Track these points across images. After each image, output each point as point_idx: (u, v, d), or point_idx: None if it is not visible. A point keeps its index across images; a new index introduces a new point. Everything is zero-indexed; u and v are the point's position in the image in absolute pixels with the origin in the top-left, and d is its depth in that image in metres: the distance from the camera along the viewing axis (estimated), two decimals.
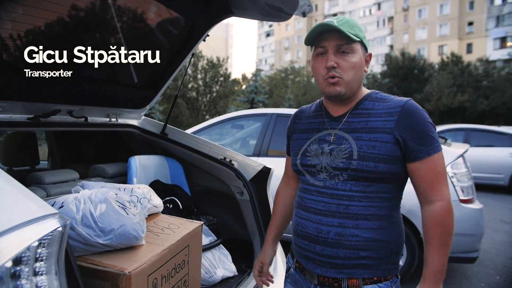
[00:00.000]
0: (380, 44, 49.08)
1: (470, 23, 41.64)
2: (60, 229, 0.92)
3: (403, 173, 1.16)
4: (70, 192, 1.87)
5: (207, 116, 28.59)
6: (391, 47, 47.20)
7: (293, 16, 2.02)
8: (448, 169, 3.32)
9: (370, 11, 51.39)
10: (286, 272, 1.38)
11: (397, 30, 47.54)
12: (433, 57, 39.14)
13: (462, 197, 3.27)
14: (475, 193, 3.49)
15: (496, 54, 36.05)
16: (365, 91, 1.25)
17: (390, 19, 48.99)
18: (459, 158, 3.41)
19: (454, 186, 3.27)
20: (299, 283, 1.28)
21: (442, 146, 3.61)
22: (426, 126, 1.13)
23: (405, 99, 1.18)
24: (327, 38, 1.16)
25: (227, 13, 2.13)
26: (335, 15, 53.48)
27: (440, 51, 42.04)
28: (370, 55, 1.24)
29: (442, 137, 4.51)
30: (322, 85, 1.21)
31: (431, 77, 30.10)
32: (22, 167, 2.69)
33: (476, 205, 3.40)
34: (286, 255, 1.55)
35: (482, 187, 7.81)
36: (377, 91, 1.25)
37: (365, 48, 1.21)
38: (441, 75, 28.54)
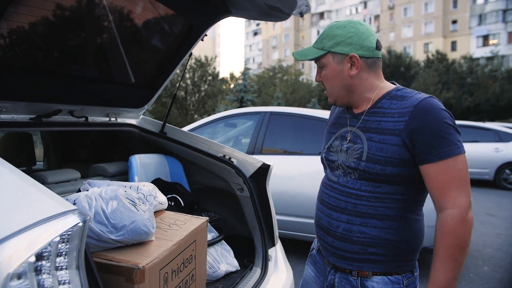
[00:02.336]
0: None
1: (454, 21, 42.45)
2: (80, 224, 0.95)
3: (416, 175, 1.11)
4: (72, 191, 1.90)
5: (196, 116, 28.47)
6: None
7: None
8: None
9: (356, 9, 51.88)
10: (310, 252, 1.46)
11: (383, 28, 48.11)
12: (419, 55, 39.80)
13: None
14: None
15: (480, 52, 36.86)
16: (387, 87, 1.22)
17: (377, 17, 49.55)
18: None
19: None
20: (319, 264, 1.36)
21: None
22: (441, 127, 1.05)
23: (423, 96, 1.11)
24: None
25: (225, 13, 2.16)
26: (322, 14, 53.91)
27: (425, 48, 42.76)
28: (353, 56, 1.17)
29: None
30: None
31: (417, 75, 30.62)
32: (19, 168, 2.68)
33: None
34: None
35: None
36: (401, 87, 1.21)
37: (341, 53, 1.17)
38: (426, 72, 29.06)
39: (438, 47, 37.66)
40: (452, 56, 34.85)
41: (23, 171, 2.57)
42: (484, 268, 3.90)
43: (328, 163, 1.29)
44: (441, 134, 1.05)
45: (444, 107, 1.10)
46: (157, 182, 2.12)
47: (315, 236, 1.40)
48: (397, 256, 1.16)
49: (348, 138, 1.22)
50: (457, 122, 9.36)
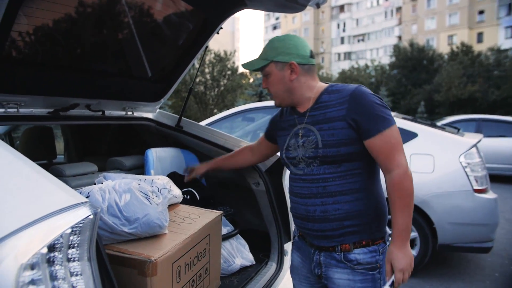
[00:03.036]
0: (388, 35, 48.51)
1: (481, 12, 40.91)
2: (91, 217, 0.95)
3: (365, 150, 1.32)
4: (89, 184, 1.92)
5: (215, 110, 28.62)
6: (400, 38, 46.61)
7: None
8: (462, 159, 3.31)
9: (377, 1, 50.74)
10: (292, 240, 1.63)
11: (405, 21, 46.92)
12: (443, 47, 38.60)
13: (476, 187, 3.26)
14: (489, 183, 3.47)
15: (508, 43, 35.41)
16: (321, 87, 1.43)
17: (398, 9, 48.35)
18: (472, 148, 3.39)
19: (468, 176, 3.26)
20: (302, 249, 1.51)
21: (455, 136, 3.61)
22: (373, 107, 1.29)
23: (353, 86, 1.35)
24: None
25: (241, 5, 2.13)
26: (342, 7, 53.07)
27: (449, 41, 41.45)
28: (292, 63, 1.38)
29: (454, 127, 4.48)
30: None
31: (440, 68, 29.74)
32: (40, 161, 2.74)
33: (490, 195, 3.38)
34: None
35: (495, 178, 7.72)
36: (333, 84, 1.43)
37: (282, 61, 1.38)
38: (450, 65, 28.17)
39: (463, 39, 36.40)
40: (478, 48, 33.62)
41: (44, 164, 2.63)
42: (511, 267, 3.76)
43: (289, 161, 1.46)
44: (375, 112, 1.29)
45: (371, 92, 1.35)
46: (173, 176, 2.12)
47: None
48: (368, 224, 1.35)
49: (301, 134, 1.41)
50: (483, 116, 9.07)
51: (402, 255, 1.27)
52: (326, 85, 1.44)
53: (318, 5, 2.00)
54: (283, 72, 1.40)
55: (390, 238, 1.36)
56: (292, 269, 1.59)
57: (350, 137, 1.30)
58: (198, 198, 2.08)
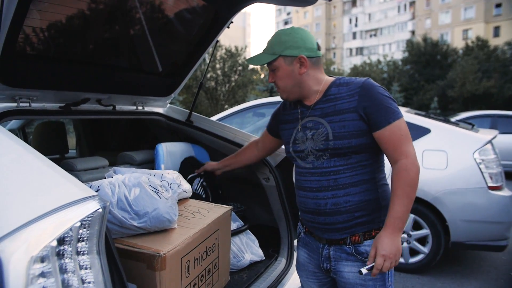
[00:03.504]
0: (401, 30, 47.81)
1: (498, 5, 39.93)
2: (100, 210, 0.95)
3: (374, 142, 1.33)
4: (100, 178, 1.93)
5: (226, 106, 28.65)
6: (413, 32, 45.89)
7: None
8: (476, 155, 3.24)
9: None
10: (298, 237, 1.60)
11: (419, 15, 46.15)
12: (457, 42, 37.88)
13: (490, 184, 3.19)
14: (504, 180, 3.39)
15: None
16: (328, 80, 1.43)
17: (412, 3, 47.56)
18: (487, 144, 3.32)
19: (482, 173, 3.19)
20: (310, 244, 1.49)
21: (469, 132, 3.54)
22: (383, 99, 1.31)
23: (363, 79, 1.36)
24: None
25: None
26: (354, 1, 52.44)
27: (464, 35, 40.62)
28: (301, 57, 1.37)
29: (468, 123, 4.39)
30: None
31: (454, 63, 29.15)
32: (52, 156, 2.78)
33: (505, 192, 3.30)
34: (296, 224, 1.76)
35: (510, 175, 7.57)
36: (340, 77, 1.43)
37: (291, 55, 1.37)
38: (465, 60, 27.60)
39: (478, 34, 35.61)
40: (494, 42, 32.86)
41: (56, 158, 2.66)
42: None
43: (297, 154, 1.45)
44: (385, 104, 1.30)
45: (379, 85, 1.36)
46: (190, 160, 2.14)
47: None
48: (377, 212, 1.36)
49: (309, 126, 1.41)
50: (498, 112, 8.88)
51: (389, 242, 1.25)
52: (333, 78, 1.44)
53: None
54: (292, 66, 1.38)
55: None
56: (299, 266, 1.58)
57: (361, 129, 1.31)
58: (208, 190, 2.09)
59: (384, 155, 1.38)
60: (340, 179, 1.34)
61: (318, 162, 1.37)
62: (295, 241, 2.09)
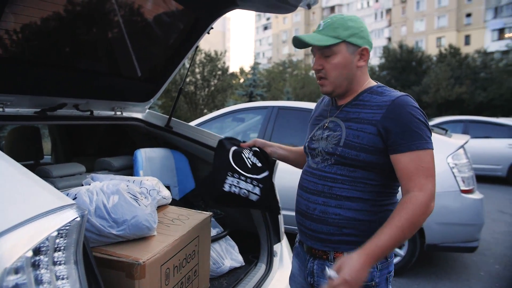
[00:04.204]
0: (378, 37, 48.93)
1: (468, 15, 41.58)
2: (78, 219, 0.93)
3: (388, 164, 1.19)
4: (77, 185, 1.89)
5: (205, 110, 28.53)
6: (389, 39, 47.09)
7: None
8: (449, 160, 3.35)
9: (368, 3, 51.17)
10: (294, 246, 1.51)
11: (395, 22, 47.42)
12: (431, 49, 39.11)
13: (463, 188, 3.31)
14: (475, 183, 3.52)
15: (494, 46, 36.06)
16: (369, 83, 1.31)
17: (388, 11, 48.84)
18: (460, 149, 3.44)
19: (455, 176, 3.30)
20: (300, 255, 1.42)
21: (443, 137, 3.65)
22: (413, 121, 1.15)
23: (400, 93, 1.22)
24: (311, 44, 1.25)
25: (232, 5, 2.12)
26: (332, 7, 53.34)
27: (438, 43, 42.02)
28: (365, 48, 1.25)
29: (442, 128, 4.54)
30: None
31: (429, 69, 30.11)
32: (26, 162, 2.70)
33: (477, 196, 3.43)
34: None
35: (481, 178, 7.86)
36: (381, 85, 1.30)
37: (355, 44, 1.23)
38: (439, 67, 28.54)
39: (451, 41, 36.94)
40: (465, 50, 34.15)
41: (30, 165, 2.58)
42: (495, 266, 3.83)
43: (309, 151, 1.37)
44: (413, 128, 1.15)
45: (417, 105, 1.20)
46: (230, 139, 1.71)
47: None
48: (369, 236, 1.15)
49: (329, 126, 1.31)
50: (470, 117, 9.19)
51: (358, 269, 1.06)
52: (374, 83, 1.31)
53: (309, 6, 2.01)
54: (352, 56, 1.24)
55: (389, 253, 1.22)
56: (291, 276, 1.49)
57: (375, 146, 1.18)
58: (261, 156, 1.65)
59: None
60: (335, 189, 1.24)
61: (322, 165, 1.28)
62: (276, 246, 2.11)
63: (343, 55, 1.23)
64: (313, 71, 1.33)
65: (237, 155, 1.51)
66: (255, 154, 1.57)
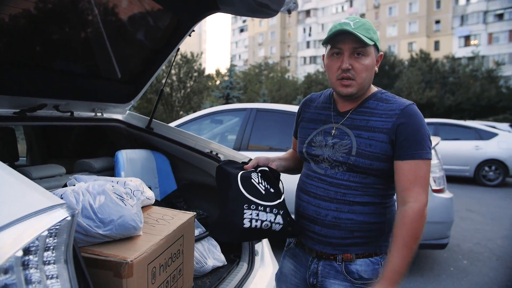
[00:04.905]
0: None
1: (437, 21, 43.20)
2: (68, 218, 0.94)
3: (393, 169, 1.24)
4: (57, 187, 1.87)
5: (181, 112, 28.26)
6: None
7: None
8: None
9: (342, 7, 52.24)
10: (286, 247, 1.50)
11: None
12: (403, 54, 40.35)
13: (434, 187, 3.46)
14: (446, 183, 3.69)
15: (461, 52, 37.65)
16: (372, 89, 1.32)
17: (362, 16, 49.94)
18: (431, 150, 3.59)
19: None
20: (299, 257, 1.40)
21: None
22: (419, 131, 1.19)
23: (407, 102, 1.24)
24: (344, 40, 1.22)
25: (214, 9, 2.15)
26: (308, 11, 54.05)
27: (409, 48, 43.41)
28: (381, 55, 1.30)
29: None
30: (334, 84, 1.28)
31: (401, 73, 31.06)
32: None
33: (447, 195, 3.60)
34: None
35: (449, 178, 8.19)
36: (384, 91, 1.32)
37: (377, 49, 1.27)
38: (410, 71, 29.50)
39: (421, 47, 38.28)
40: (435, 55, 35.46)
41: None
42: (464, 262, 4.02)
43: (310, 157, 1.35)
44: (419, 137, 1.19)
45: (422, 116, 1.24)
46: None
47: None
48: (379, 237, 1.28)
49: (333, 134, 1.30)
50: (440, 120, 9.52)
51: None
52: (376, 89, 1.33)
53: (289, 11, 2.07)
54: (375, 60, 1.27)
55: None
56: (280, 276, 1.48)
57: (386, 154, 1.21)
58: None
59: None
60: (349, 195, 1.25)
61: (332, 171, 1.28)
62: (257, 245, 2.14)
63: (372, 58, 1.24)
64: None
65: (247, 182, 1.32)
66: (263, 176, 1.40)
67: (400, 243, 1.16)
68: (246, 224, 1.22)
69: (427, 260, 4.05)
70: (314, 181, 1.32)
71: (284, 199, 1.36)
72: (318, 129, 1.35)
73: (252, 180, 1.34)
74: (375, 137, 1.22)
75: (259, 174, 1.39)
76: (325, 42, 1.27)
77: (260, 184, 1.35)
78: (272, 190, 1.35)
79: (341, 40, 1.22)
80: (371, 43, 1.21)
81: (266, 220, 1.24)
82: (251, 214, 1.23)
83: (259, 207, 1.26)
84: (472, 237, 4.91)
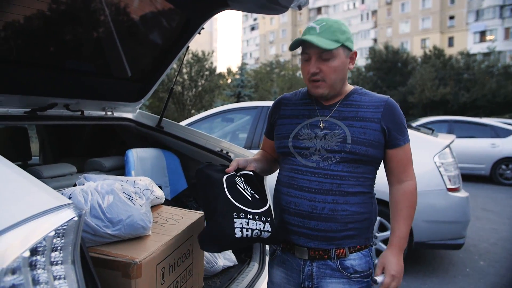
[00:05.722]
0: (364, 38, 49.51)
1: (452, 17, 42.42)
2: (75, 219, 0.93)
3: (382, 157, 1.36)
4: (68, 186, 1.88)
5: (193, 111, 28.40)
6: (375, 40, 47.68)
7: None
8: (436, 159, 3.42)
9: (354, 4, 51.71)
10: (271, 256, 1.47)
11: (380, 24, 48.03)
12: (416, 51, 39.76)
13: (449, 186, 3.38)
14: (461, 182, 3.61)
15: (476, 48, 36.88)
16: (350, 86, 1.41)
17: (374, 12, 49.44)
18: (446, 148, 3.51)
19: (441, 175, 3.37)
20: (288, 262, 1.38)
21: (429, 136, 3.74)
22: (403, 120, 1.35)
23: (384, 96, 1.37)
24: (309, 46, 1.29)
25: (223, 6, 2.13)
26: (319, 9, 53.72)
27: (422, 44, 42.75)
28: (355, 53, 1.36)
29: (429, 128, 4.63)
30: (308, 86, 1.37)
31: (414, 70, 30.61)
32: (14, 163, 2.65)
33: (463, 194, 3.51)
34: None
35: (465, 177, 8.03)
36: (361, 88, 1.42)
37: (348, 48, 1.31)
38: (423, 68, 29.05)
39: (435, 43, 37.64)
40: (449, 52, 34.83)
41: (18, 165, 2.54)
42: (480, 262, 3.92)
43: (298, 151, 1.35)
44: (403, 125, 1.35)
45: None
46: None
47: None
48: (367, 228, 1.35)
49: (322, 126, 1.33)
50: (454, 117, 9.33)
51: (396, 262, 1.30)
52: (353, 86, 1.42)
53: (299, 7, 2.03)
54: (346, 59, 1.32)
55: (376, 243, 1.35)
56: (271, 286, 1.46)
57: (379, 141, 1.31)
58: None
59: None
60: (343, 186, 1.29)
61: (325, 163, 1.30)
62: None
63: (340, 59, 1.30)
64: (303, 73, 1.35)
65: (233, 188, 1.28)
66: (246, 181, 1.37)
67: (404, 214, 1.33)
68: (238, 234, 1.17)
69: (442, 261, 3.97)
70: (306, 175, 1.32)
71: (270, 205, 1.35)
72: (303, 123, 1.37)
73: (237, 186, 1.31)
74: (368, 126, 1.30)
75: (242, 179, 1.36)
76: (291, 50, 1.36)
77: (246, 190, 1.32)
78: (257, 196, 1.34)
79: (307, 46, 1.30)
80: (335, 46, 1.25)
81: (256, 229, 1.21)
82: (241, 223, 1.19)
83: (248, 215, 1.22)
84: (489, 237, 4.79)
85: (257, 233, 1.21)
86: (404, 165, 1.35)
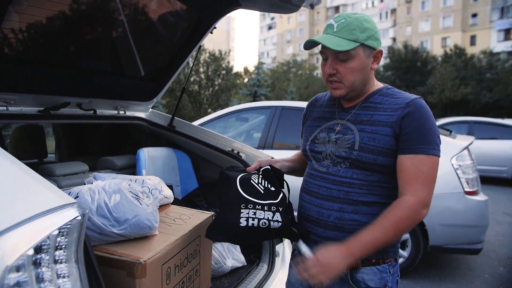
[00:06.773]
0: (382, 37, 48.76)
1: (474, 15, 41.33)
2: (79, 218, 0.93)
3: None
4: (80, 184, 1.90)
5: (209, 110, 28.56)
6: (394, 39, 46.92)
7: None
8: (453, 161, 3.33)
9: (373, 3, 51.02)
10: (292, 253, 1.45)
11: (400, 23, 47.22)
12: (436, 50, 38.92)
13: (467, 189, 3.28)
14: (480, 185, 3.50)
15: (500, 46, 35.84)
16: (377, 85, 1.29)
17: (393, 11, 48.66)
18: (464, 150, 3.42)
19: (459, 178, 3.28)
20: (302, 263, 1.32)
21: (447, 138, 3.63)
22: (425, 125, 1.14)
23: (413, 96, 1.20)
24: (325, 46, 1.18)
25: (235, 5, 2.12)
26: (337, 7, 53.21)
27: (443, 43, 41.82)
28: (380, 51, 1.23)
29: (447, 129, 4.51)
30: (327, 86, 1.28)
31: (434, 70, 29.98)
32: (31, 160, 2.71)
33: (481, 197, 3.41)
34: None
35: (485, 180, 7.80)
36: (390, 86, 1.28)
37: (371, 47, 1.19)
38: (444, 67, 28.40)
39: (456, 42, 36.76)
40: (471, 50, 33.98)
41: (34, 163, 2.59)
42: (500, 268, 3.80)
43: (313, 155, 1.31)
44: (425, 132, 1.14)
45: (430, 110, 1.19)
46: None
47: None
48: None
49: (337, 130, 1.26)
50: (474, 118, 9.09)
51: (334, 257, 1.09)
52: (382, 85, 1.29)
53: (312, 6, 2.01)
54: (368, 59, 1.20)
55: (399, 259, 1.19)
56: (289, 286, 1.43)
57: (390, 148, 1.16)
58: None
59: None
60: (353, 194, 1.19)
61: (334, 169, 1.23)
62: (278, 246, 2.10)
63: (360, 59, 1.18)
64: (317, 72, 1.30)
65: (246, 183, 1.31)
66: (264, 176, 1.37)
67: (378, 223, 1.11)
68: (243, 223, 1.18)
69: (459, 266, 3.87)
70: (316, 180, 1.27)
71: (284, 196, 1.32)
72: (322, 126, 1.32)
73: (251, 180, 1.32)
74: (378, 130, 1.18)
75: (261, 175, 1.38)
76: (305, 49, 1.26)
77: (260, 184, 1.33)
78: (272, 188, 1.32)
79: (323, 46, 1.18)
80: (350, 47, 1.15)
81: (263, 218, 1.20)
82: (247, 213, 1.20)
83: (257, 206, 1.23)
84: (510, 242, 4.64)
85: (265, 222, 1.20)
86: (408, 177, 1.13)
